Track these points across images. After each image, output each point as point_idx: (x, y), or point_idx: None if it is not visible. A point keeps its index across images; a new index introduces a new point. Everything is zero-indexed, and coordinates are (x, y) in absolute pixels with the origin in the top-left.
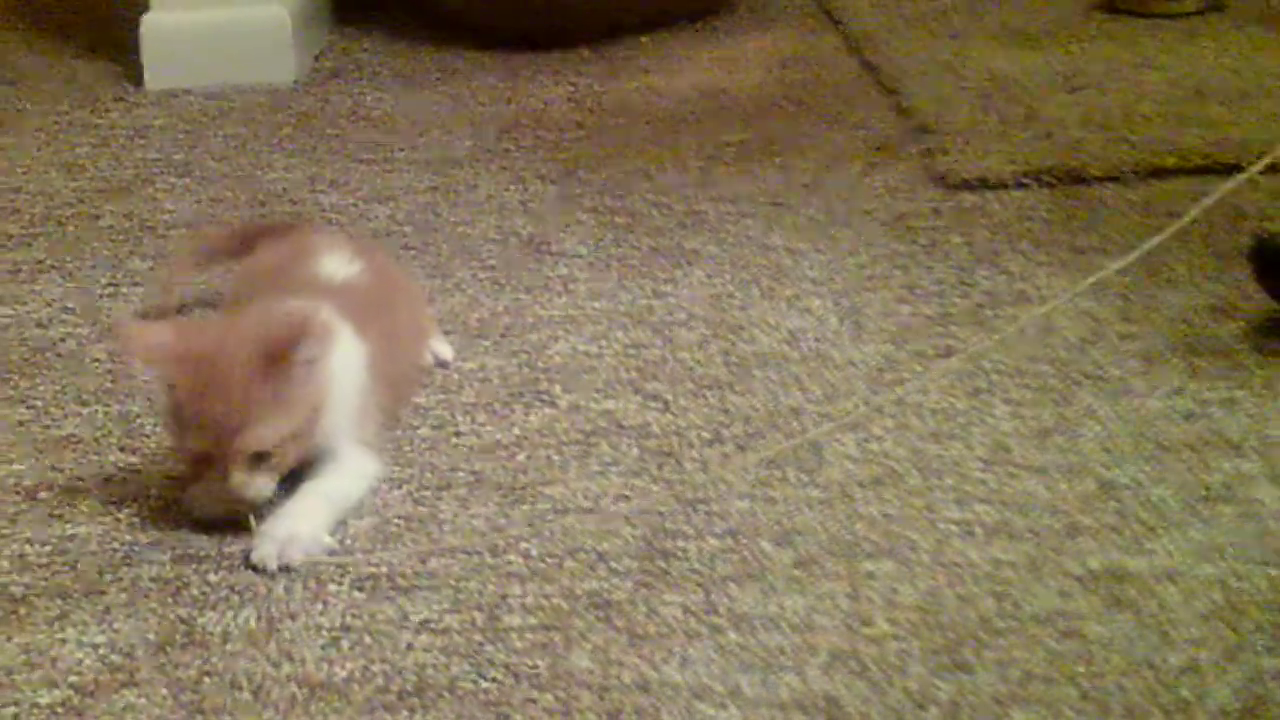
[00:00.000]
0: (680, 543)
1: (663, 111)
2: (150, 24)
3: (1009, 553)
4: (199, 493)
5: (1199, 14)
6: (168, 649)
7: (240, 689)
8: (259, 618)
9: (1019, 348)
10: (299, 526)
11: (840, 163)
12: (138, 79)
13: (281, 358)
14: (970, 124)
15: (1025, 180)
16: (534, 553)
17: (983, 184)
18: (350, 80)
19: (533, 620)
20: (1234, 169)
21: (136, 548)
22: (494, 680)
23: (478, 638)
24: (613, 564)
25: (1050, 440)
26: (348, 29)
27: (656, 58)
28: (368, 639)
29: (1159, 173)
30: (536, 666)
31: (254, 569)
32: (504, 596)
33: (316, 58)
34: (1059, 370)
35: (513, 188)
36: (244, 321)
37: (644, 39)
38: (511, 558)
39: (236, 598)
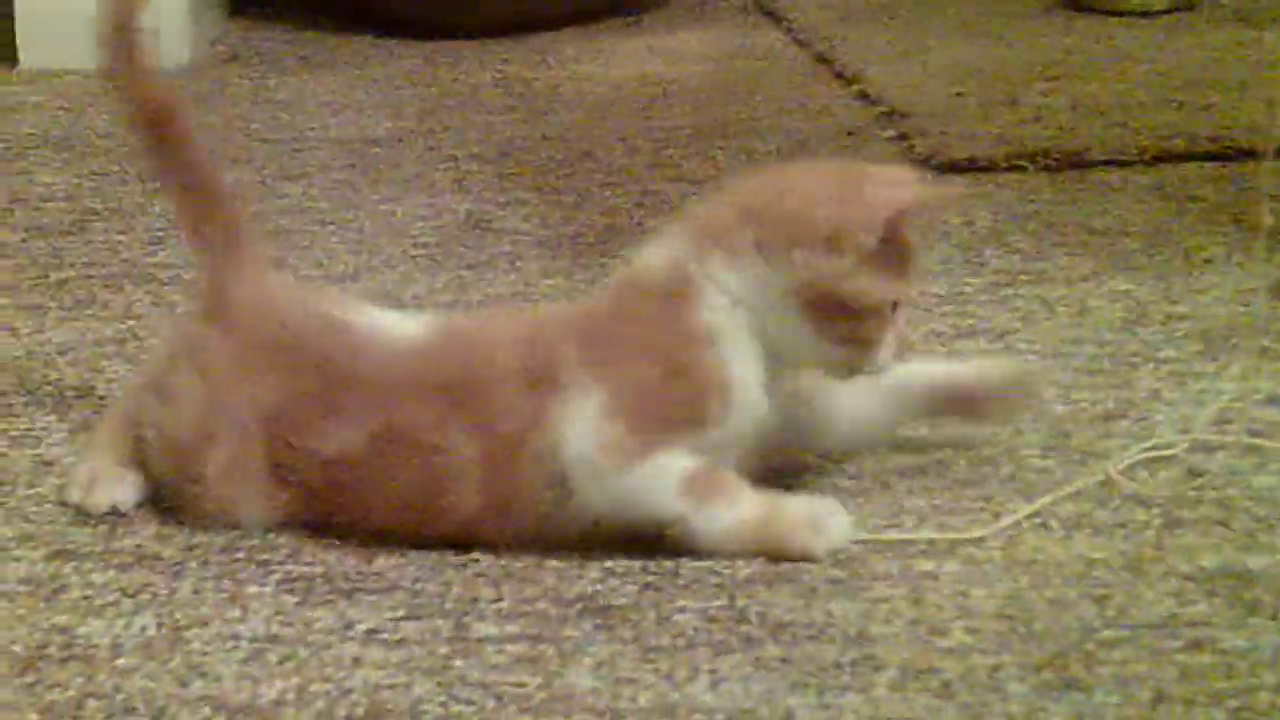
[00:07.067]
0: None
1: (601, 97)
2: (26, 1)
3: (1099, 550)
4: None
5: (1169, 12)
6: (39, 665)
7: (135, 713)
8: (159, 625)
9: (1052, 329)
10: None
11: (807, 147)
12: (10, 59)
13: None
14: (947, 108)
15: (1020, 162)
16: (505, 550)
17: (973, 166)
18: (250, 65)
19: (512, 629)
20: (1247, 154)
21: None
22: (469, 703)
23: (443, 650)
24: (607, 563)
25: (1116, 425)
26: (244, 18)
27: (585, 49)
28: (302, 651)
29: (1167, 157)
30: (524, 685)
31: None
32: (474, 600)
33: (211, 43)
34: (1107, 352)
35: (443, 166)
36: None
37: (567, 31)
38: (478, 555)
39: (129, 602)
